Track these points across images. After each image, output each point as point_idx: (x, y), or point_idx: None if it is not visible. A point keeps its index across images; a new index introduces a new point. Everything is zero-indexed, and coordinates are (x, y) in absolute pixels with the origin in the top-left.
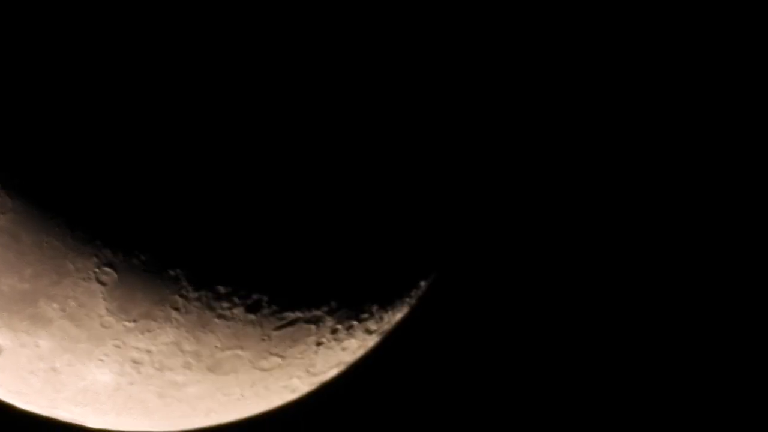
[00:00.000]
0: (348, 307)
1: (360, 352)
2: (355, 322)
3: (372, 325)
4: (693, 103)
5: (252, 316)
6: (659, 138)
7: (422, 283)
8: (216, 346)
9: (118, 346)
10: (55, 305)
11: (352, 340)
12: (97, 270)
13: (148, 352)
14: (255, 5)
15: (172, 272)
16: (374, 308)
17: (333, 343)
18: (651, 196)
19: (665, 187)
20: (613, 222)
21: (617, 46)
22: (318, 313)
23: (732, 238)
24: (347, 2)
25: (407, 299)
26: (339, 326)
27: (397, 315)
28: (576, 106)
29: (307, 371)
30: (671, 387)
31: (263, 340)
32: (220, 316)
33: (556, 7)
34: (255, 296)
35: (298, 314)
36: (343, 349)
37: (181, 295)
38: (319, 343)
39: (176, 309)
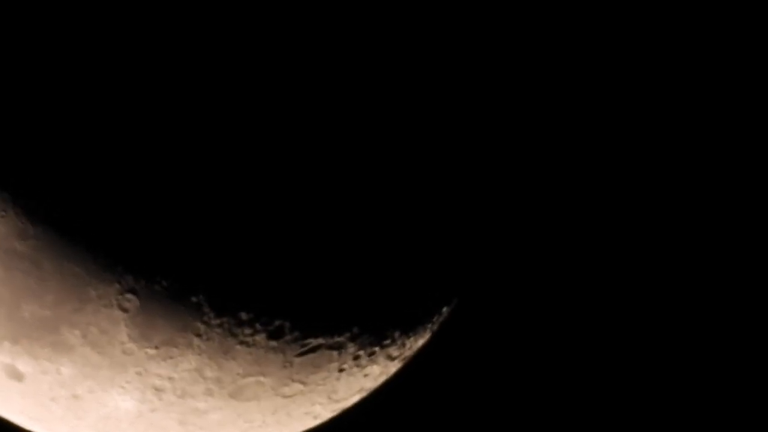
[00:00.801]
0: (370, 333)
1: (382, 379)
2: (377, 348)
3: (394, 351)
4: (708, 109)
5: (274, 343)
6: (692, 159)
7: (444, 309)
8: (238, 373)
9: (139, 373)
10: (76, 332)
11: (374, 366)
12: (119, 296)
13: (170, 379)
14: (256, 5)
15: (194, 299)
16: (396, 334)
17: (355, 369)
18: (684, 226)
19: (701, 212)
20: (640, 250)
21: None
22: (340, 339)
23: (750, 248)
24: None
25: (429, 325)
26: (361, 352)
27: (419, 341)
28: (612, 130)
29: (329, 398)
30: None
31: (285, 366)
32: (242, 343)
33: (569, 9)
34: (277, 322)
35: (321, 340)
36: (365, 376)
37: (203, 322)
38: (341, 370)
39: (198, 336)
